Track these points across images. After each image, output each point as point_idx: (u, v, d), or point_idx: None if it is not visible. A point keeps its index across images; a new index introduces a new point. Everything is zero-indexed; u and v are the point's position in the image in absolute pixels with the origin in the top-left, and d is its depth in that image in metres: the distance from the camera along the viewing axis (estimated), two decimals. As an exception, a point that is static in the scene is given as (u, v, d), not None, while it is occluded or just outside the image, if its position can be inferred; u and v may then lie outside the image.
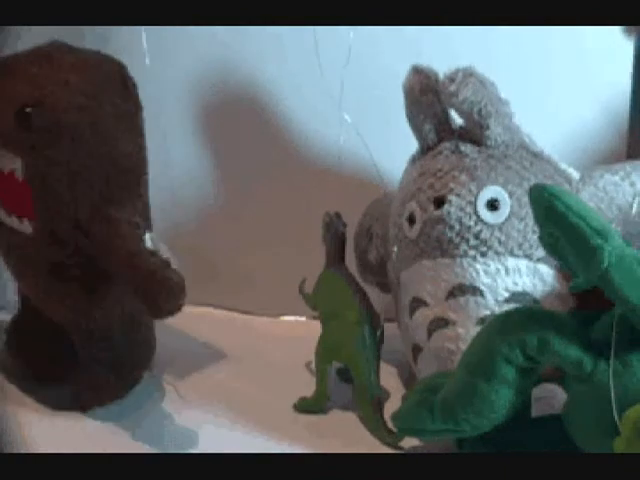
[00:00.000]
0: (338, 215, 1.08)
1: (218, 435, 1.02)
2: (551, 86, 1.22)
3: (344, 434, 1.02)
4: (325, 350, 1.07)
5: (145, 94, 1.04)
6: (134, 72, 1.04)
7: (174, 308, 0.94)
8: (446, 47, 1.17)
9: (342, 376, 1.10)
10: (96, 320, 1.03)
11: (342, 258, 1.09)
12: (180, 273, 0.96)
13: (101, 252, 1.00)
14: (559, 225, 0.82)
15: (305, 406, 1.07)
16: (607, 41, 1.19)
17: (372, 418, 1.02)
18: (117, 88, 1.02)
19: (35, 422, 1.03)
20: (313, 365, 1.09)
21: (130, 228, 1.00)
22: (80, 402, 1.05)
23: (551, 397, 0.90)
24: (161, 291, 0.94)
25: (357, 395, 1.04)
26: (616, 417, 0.82)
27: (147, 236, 1.00)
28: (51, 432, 1.02)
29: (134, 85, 1.04)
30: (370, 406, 1.02)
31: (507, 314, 0.91)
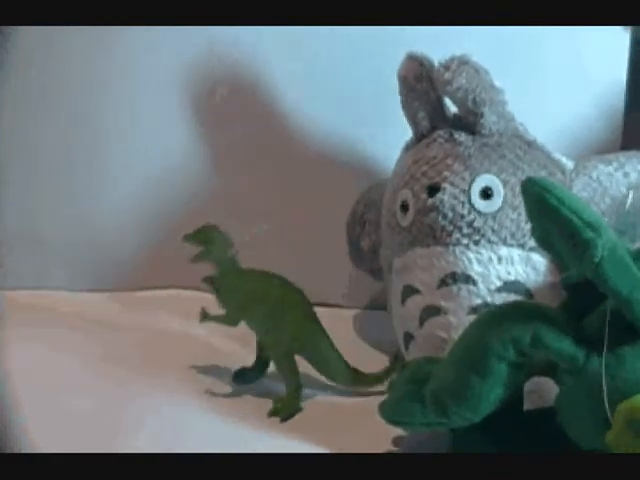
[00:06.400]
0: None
1: (189, 415, 1.00)
2: (546, 79, 1.21)
3: (324, 422, 1.00)
4: (285, 349, 1.02)
5: (136, 80, 1.04)
6: (125, 60, 1.04)
7: None
8: (442, 39, 1.16)
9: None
10: None
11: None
12: None
13: None
14: (551, 219, 0.81)
15: (285, 410, 1.00)
16: (603, 34, 1.18)
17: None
18: None
19: None
20: None
21: None
22: None
23: (543, 390, 0.90)
24: None
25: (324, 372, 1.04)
26: (607, 410, 0.82)
27: None
28: None
29: None
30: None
31: (498, 310, 0.90)
